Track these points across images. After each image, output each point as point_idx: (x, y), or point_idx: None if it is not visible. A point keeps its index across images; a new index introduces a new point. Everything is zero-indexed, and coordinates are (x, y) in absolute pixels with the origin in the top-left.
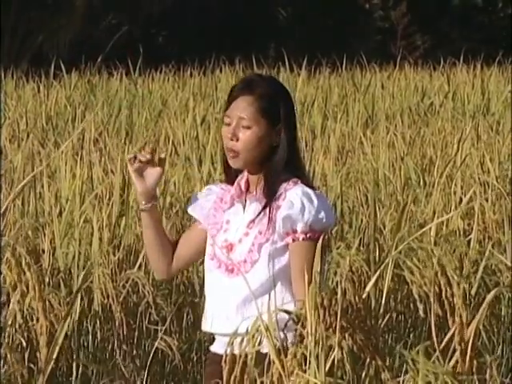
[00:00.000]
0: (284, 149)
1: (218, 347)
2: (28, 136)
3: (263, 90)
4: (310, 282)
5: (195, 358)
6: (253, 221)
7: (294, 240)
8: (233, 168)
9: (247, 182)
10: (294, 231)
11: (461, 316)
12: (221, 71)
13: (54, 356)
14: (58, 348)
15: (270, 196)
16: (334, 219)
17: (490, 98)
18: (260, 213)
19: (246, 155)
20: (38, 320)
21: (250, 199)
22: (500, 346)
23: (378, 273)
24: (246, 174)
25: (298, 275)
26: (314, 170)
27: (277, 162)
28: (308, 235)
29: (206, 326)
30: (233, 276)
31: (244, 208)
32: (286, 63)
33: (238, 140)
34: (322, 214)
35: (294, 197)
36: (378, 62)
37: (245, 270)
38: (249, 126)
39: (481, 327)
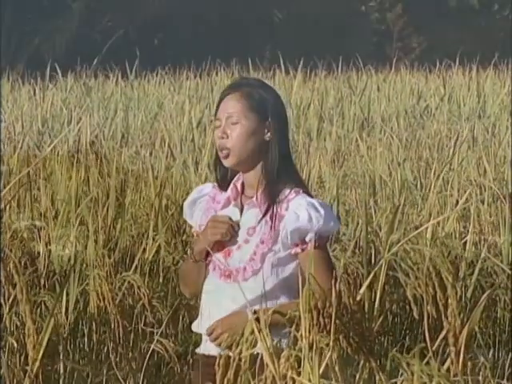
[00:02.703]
0: (277, 143)
1: (211, 348)
2: (24, 139)
3: (249, 87)
4: (329, 287)
5: (191, 361)
6: (253, 228)
7: (303, 250)
8: (227, 173)
9: (243, 185)
10: (303, 242)
11: (455, 317)
12: (217, 74)
13: (39, 357)
14: (42, 349)
15: (272, 199)
16: (338, 224)
17: (486, 100)
18: (261, 220)
19: (238, 151)
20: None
21: (248, 204)
22: (496, 348)
23: (371, 274)
24: (241, 175)
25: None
26: (310, 172)
27: (273, 158)
28: (317, 243)
29: (200, 327)
30: (230, 281)
31: (241, 212)
32: (282, 66)
33: (228, 137)
34: (329, 222)
35: (298, 208)
36: (373, 65)
37: (243, 277)
38: (237, 121)
39: (476, 329)
